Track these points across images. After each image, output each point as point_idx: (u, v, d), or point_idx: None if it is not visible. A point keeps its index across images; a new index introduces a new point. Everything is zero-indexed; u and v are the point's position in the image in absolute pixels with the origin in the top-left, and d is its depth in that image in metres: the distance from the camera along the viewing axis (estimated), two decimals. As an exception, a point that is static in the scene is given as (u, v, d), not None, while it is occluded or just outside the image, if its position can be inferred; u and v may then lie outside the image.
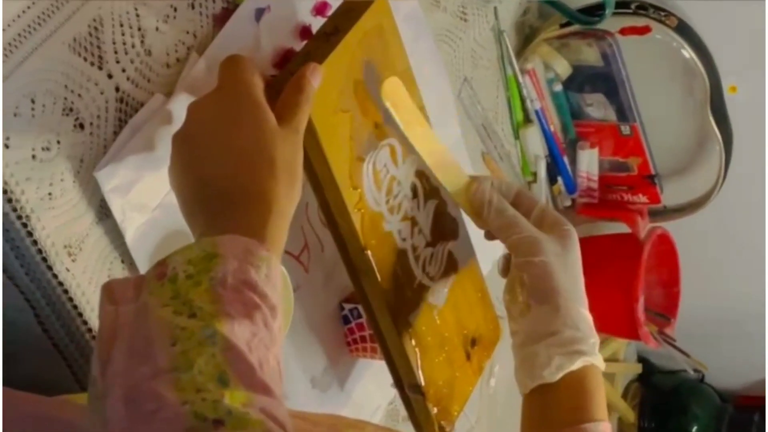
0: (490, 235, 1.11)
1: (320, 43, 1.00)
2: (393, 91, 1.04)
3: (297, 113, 0.87)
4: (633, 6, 1.48)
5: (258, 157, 0.82)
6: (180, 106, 0.96)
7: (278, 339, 0.72)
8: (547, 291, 1.01)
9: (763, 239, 1.71)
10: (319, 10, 1.11)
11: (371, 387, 1.25)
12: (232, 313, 0.69)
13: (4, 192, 0.86)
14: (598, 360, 1.01)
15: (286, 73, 0.97)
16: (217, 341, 0.67)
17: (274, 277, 0.75)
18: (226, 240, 0.74)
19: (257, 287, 0.72)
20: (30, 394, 0.87)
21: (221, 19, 1.02)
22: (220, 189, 0.81)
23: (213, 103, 0.86)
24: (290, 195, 0.83)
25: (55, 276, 0.91)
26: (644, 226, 1.57)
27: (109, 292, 0.72)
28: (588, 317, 1.03)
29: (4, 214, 0.87)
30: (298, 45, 1.09)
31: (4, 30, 0.83)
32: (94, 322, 0.94)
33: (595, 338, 1.01)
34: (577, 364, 0.98)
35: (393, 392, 1.20)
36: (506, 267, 1.08)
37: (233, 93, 0.86)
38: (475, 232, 1.25)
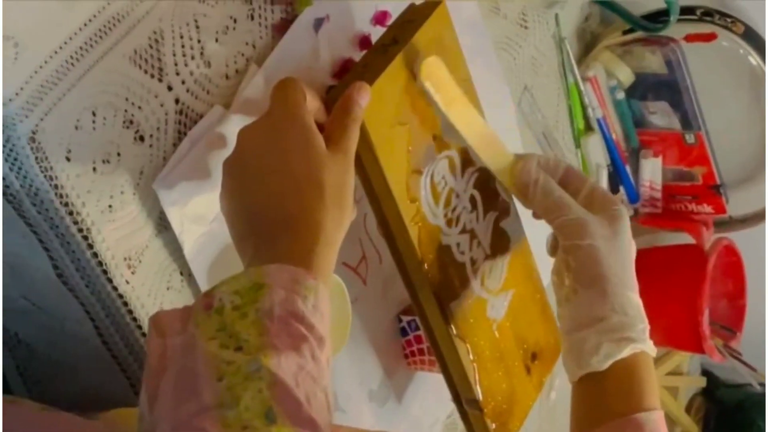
0: (537, 215, 1.08)
1: (378, 54, 1.00)
2: (433, 71, 1.02)
3: (345, 135, 0.87)
4: (698, 12, 1.47)
5: (306, 184, 0.82)
6: (239, 120, 0.96)
7: (326, 371, 0.72)
8: (594, 276, 0.99)
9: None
10: (379, 19, 1.11)
11: (429, 400, 1.24)
12: (279, 346, 0.69)
13: (65, 205, 0.86)
14: (648, 346, 0.98)
15: (343, 85, 0.97)
16: (264, 376, 0.66)
17: (322, 306, 0.75)
18: (273, 269, 0.74)
19: (304, 318, 0.72)
20: (71, 417, 0.87)
21: (280, 29, 1.03)
22: (267, 217, 0.82)
23: (262, 130, 0.86)
24: (339, 221, 0.83)
25: (115, 288, 0.91)
26: (709, 237, 1.56)
27: (157, 323, 0.73)
28: (638, 302, 1.00)
29: (65, 227, 0.88)
30: (357, 55, 1.09)
31: (66, 43, 0.84)
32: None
33: (644, 323, 0.98)
34: (625, 352, 0.96)
35: (451, 406, 1.19)
36: (555, 246, 1.05)
37: (282, 119, 0.86)
38: (535, 243, 1.25)
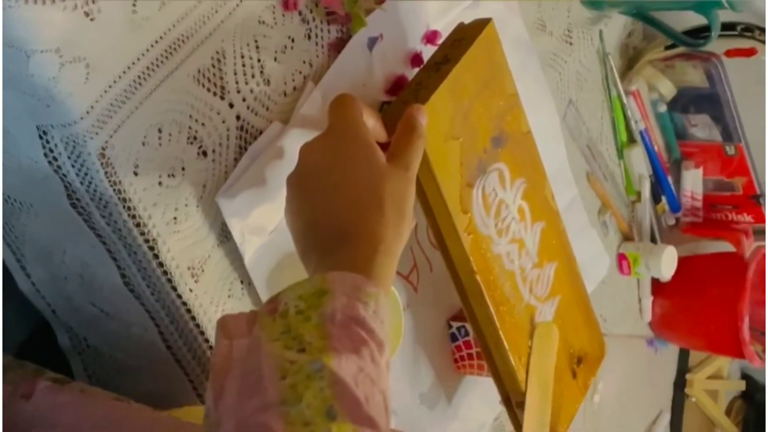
0: None
1: (431, 73, 1.00)
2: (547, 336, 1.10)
3: (409, 151, 0.87)
4: (739, 28, 1.46)
5: (367, 196, 0.82)
6: (296, 135, 0.96)
7: (385, 374, 0.72)
8: None
9: None
10: (430, 38, 1.10)
11: (477, 403, 1.24)
12: (340, 349, 0.69)
13: (132, 217, 0.87)
14: None
15: (399, 102, 0.97)
16: (325, 375, 0.66)
17: (382, 313, 0.75)
18: (336, 276, 0.74)
19: (365, 323, 0.72)
20: (144, 409, 0.88)
21: (336, 47, 1.03)
22: (331, 229, 0.82)
23: (323, 146, 0.86)
24: (399, 232, 0.83)
25: (179, 296, 0.92)
26: (749, 246, 1.55)
27: (224, 326, 0.73)
28: None
29: (132, 238, 0.89)
30: (410, 72, 1.08)
31: (133, 64, 0.84)
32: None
33: None
34: None
35: (499, 408, 1.20)
36: None
37: (342, 135, 0.86)
38: (580, 253, 1.25)
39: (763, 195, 1.57)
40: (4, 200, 0.93)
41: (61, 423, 0.80)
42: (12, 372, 0.88)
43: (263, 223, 0.96)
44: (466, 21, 1.06)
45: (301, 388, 0.65)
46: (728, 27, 1.45)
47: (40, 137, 0.83)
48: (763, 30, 1.46)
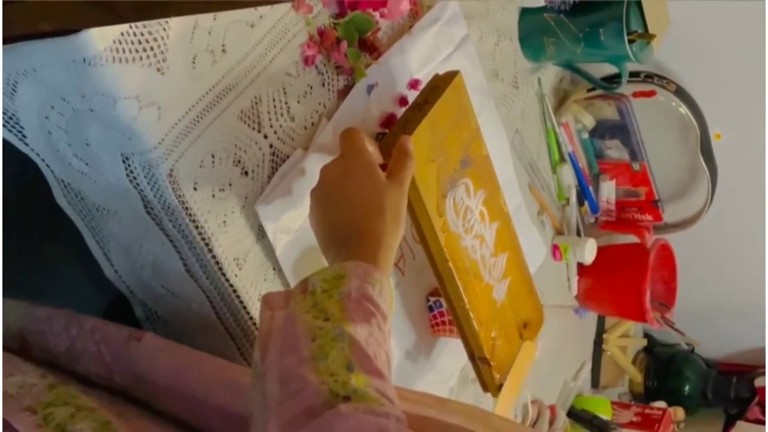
0: None
1: (415, 112, 1.00)
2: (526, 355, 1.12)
3: (403, 171, 0.87)
4: (642, 75, 1.46)
5: (371, 206, 0.83)
6: (314, 158, 0.97)
7: (388, 338, 0.72)
8: None
9: (739, 248, 1.68)
10: (413, 85, 1.10)
11: (449, 358, 1.24)
12: (355, 319, 0.69)
13: (193, 221, 0.88)
14: None
15: (391, 134, 0.98)
16: (345, 338, 0.67)
17: (385, 293, 0.75)
18: (351, 265, 0.75)
19: (373, 300, 0.72)
20: (222, 361, 0.88)
21: (343, 93, 1.03)
22: (345, 230, 0.82)
23: (338, 168, 0.86)
24: (396, 232, 0.83)
25: (228, 280, 0.92)
26: (650, 238, 1.55)
27: (267, 301, 0.74)
28: None
29: (192, 236, 0.89)
30: (398, 111, 1.08)
31: (193, 106, 0.85)
32: (255, 313, 0.95)
33: None
34: None
35: (464, 361, 1.19)
36: None
37: (352, 160, 0.87)
38: (525, 245, 1.25)
39: (660, 200, 1.58)
40: (95, 209, 0.93)
41: (158, 361, 0.81)
42: (124, 327, 0.90)
43: (290, 224, 0.96)
44: (441, 72, 1.06)
45: (328, 348, 0.66)
46: (634, 74, 1.45)
47: (123, 162, 0.84)
48: (660, 77, 1.46)
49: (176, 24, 0.81)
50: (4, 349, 0.86)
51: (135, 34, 0.77)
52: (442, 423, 0.67)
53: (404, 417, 0.62)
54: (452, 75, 1.05)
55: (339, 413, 0.59)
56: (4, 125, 0.85)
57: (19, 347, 0.86)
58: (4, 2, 0.68)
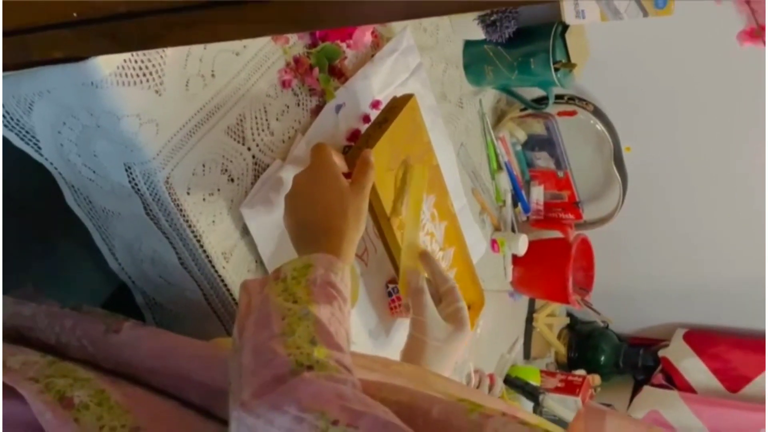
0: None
1: (376, 128, 1.00)
2: (420, 176, 0.99)
3: (364, 178, 0.88)
4: (565, 98, 1.47)
5: (335, 207, 0.83)
6: (290, 168, 0.96)
7: (347, 318, 0.72)
8: (418, 363, 0.93)
9: (646, 242, 1.70)
10: (374, 105, 1.10)
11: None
12: (319, 301, 0.69)
13: (186, 221, 0.87)
14: None
15: (356, 147, 0.97)
16: (310, 317, 0.67)
17: (347, 280, 0.75)
18: (317, 256, 0.75)
19: (335, 285, 0.72)
20: (201, 342, 0.86)
21: (315, 111, 1.02)
22: (313, 228, 0.82)
23: (307, 176, 0.87)
24: (356, 229, 0.83)
25: (216, 272, 0.92)
26: (572, 234, 1.55)
27: (245, 287, 0.73)
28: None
29: (186, 234, 0.88)
30: (362, 127, 1.08)
31: (187, 122, 0.84)
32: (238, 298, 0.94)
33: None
34: None
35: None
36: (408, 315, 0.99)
37: (319, 169, 0.87)
38: (468, 239, 1.25)
39: (580, 202, 1.58)
40: (102, 210, 0.92)
41: (141, 347, 0.79)
42: (106, 317, 0.87)
43: (270, 224, 0.95)
44: (398, 95, 1.06)
45: (295, 326, 0.66)
46: (559, 97, 1.46)
47: (126, 170, 0.83)
48: (580, 99, 1.47)
49: (171, 53, 0.80)
50: (4, 338, 0.83)
51: (136, 62, 0.77)
52: (388, 385, 0.67)
53: (359, 383, 0.62)
54: (408, 97, 1.05)
55: (302, 379, 0.59)
56: (22, 138, 0.83)
57: (16, 337, 0.83)
58: (22, 32, 0.67)
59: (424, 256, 1.00)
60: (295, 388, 0.59)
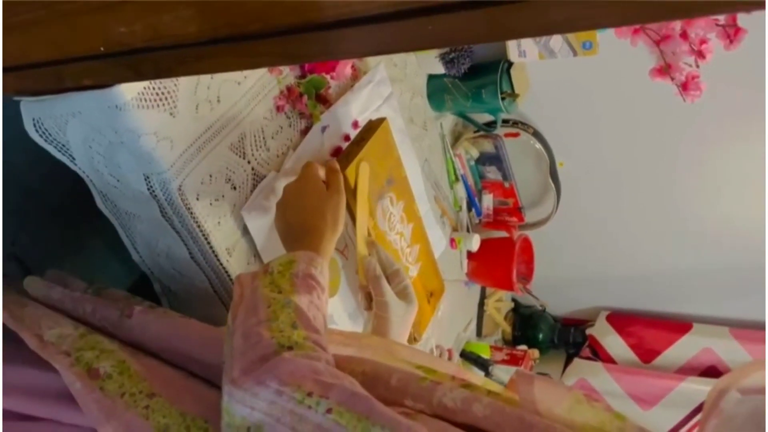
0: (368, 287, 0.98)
1: (354, 146, 1.00)
2: (362, 173, 0.98)
3: (336, 182, 0.88)
4: (511, 122, 1.48)
5: (316, 211, 0.83)
6: (282, 180, 0.95)
7: (325, 305, 0.71)
8: (385, 336, 0.94)
9: (576, 240, 1.70)
10: (354, 125, 1.10)
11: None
12: (301, 291, 0.68)
13: (196, 222, 0.86)
14: None
15: (342, 158, 0.97)
16: (291, 305, 0.66)
17: (325, 272, 0.74)
18: (300, 253, 0.74)
19: (315, 278, 0.71)
20: (198, 323, 0.85)
21: (305, 131, 1.02)
22: (297, 229, 0.82)
23: (294, 186, 0.87)
24: (334, 230, 0.83)
25: (221, 265, 0.91)
26: (516, 234, 1.56)
27: (239, 280, 0.72)
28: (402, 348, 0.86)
29: (196, 233, 0.87)
30: (343, 144, 1.08)
31: (196, 139, 0.83)
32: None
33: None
34: None
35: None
36: (367, 305, 0.99)
37: (304, 180, 0.87)
38: (431, 238, 1.25)
39: (522, 207, 1.59)
40: (125, 212, 0.91)
41: (150, 329, 0.78)
42: (121, 301, 0.86)
43: (266, 225, 0.95)
44: (373, 119, 1.06)
45: (279, 312, 0.65)
46: (505, 121, 1.47)
47: (145, 179, 0.82)
48: (523, 123, 1.48)
49: (184, 81, 0.80)
50: (48, 307, 0.82)
51: (154, 89, 0.76)
52: (355, 358, 0.67)
53: (332, 358, 0.62)
54: (381, 120, 1.05)
55: (283, 358, 0.59)
56: (59, 151, 0.82)
57: (55, 308, 0.82)
58: (57, 63, 0.66)
59: (372, 245, 1.00)
60: (276, 365, 0.58)
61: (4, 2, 0.61)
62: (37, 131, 0.79)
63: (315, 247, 0.78)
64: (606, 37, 1.21)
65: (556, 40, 1.25)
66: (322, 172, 0.89)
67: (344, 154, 0.98)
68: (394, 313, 0.94)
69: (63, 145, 0.82)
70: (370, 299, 0.99)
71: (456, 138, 1.52)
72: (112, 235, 0.94)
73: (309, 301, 0.68)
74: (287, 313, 0.65)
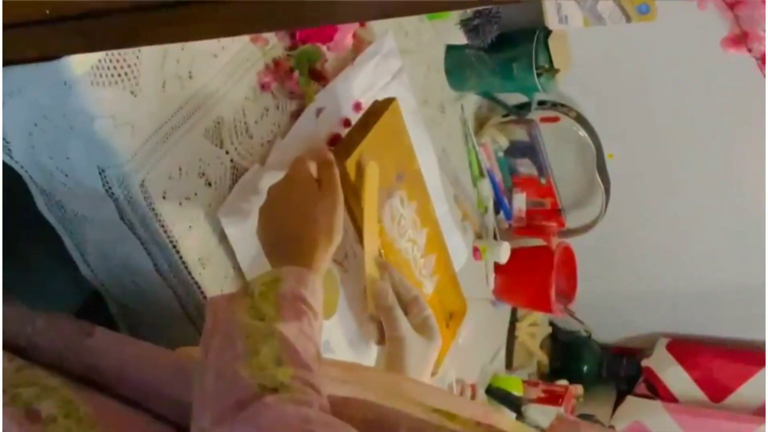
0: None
1: (356, 132, 1.00)
2: (370, 175, 0.98)
3: (330, 179, 0.88)
4: (548, 104, 1.48)
5: (306, 216, 0.83)
6: (268, 176, 0.95)
7: (317, 333, 0.71)
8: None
9: (629, 250, 1.70)
10: (356, 106, 1.10)
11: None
12: (287, 317, 0.68)
13: (162, 226, 0.86)
14: None
15: (340, 148, 0.97)
16: (276, 335, 0.66)
17: (318, 292, 0.74)
18: (287, 269, 0.74)
19: (305, 300, 0.71)
20: (168, 351, 0.84)
21: (295, 115, 1.02)
22: (284, 239, 0.82)
23: (280, 187, 0.87)
24: (330, 239, 0.83)
25: (193, 278, 0.91)
26: (555, 242, 1.56)
27: (212, 304, 0.72)
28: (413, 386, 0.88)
29: (162, 240, 0.87)
30: (343, 131, 1.08)
31: (163, 125, 0.83)
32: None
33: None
34: None
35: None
36: (380, 338, 0.99)
37: (292, 179, 0.88)
38: (450, 247, 1.25)
39: (563, 209, 1.59)
40: (74, 215, 0.90)
41: (113, 354, 0.78)
42: (78, 321, 0.85)
43: (248, 230, 0.95)
44: (379, 99, 1.06)
45: (260, 345, 0.64)
46: (542, 103, 1.47)
47: (100, 174, 0.82)
48: (563, 105, 1.48)
49: (148, 53, 0.80)
50: None
51: (111, 61, 0.76)
52: (355, 401, 0.66)
53: (326, 402, 0.61)
54: (389, 101, 1.05)
55: (264, 404, 0.58)
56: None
57: None
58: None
59: (384, 268, 1.00)
60: (256, 413, 0.58)
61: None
62: (-37, 114, 0.80)
63: (306, 262, 0.78)
64: (667, -1, 1.21)
65: (606, 3, 1.25)
66: (314, 168, 0.89)
67: (343, 143, 0.98)
68: (410, 352, 0.94)
69: (-4, 132, 0.82)
70: (383, 331, 0.99)
71: (481, 123, 1.52)
72: (55, 245, 0.94)
73: (298, 329, 0.67)
74: (271, 346, 0.64)
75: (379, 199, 1.02)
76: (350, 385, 0.73)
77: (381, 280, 0.99)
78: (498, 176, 1.55)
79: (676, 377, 1.73)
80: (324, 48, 1.04)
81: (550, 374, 1.85)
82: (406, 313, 0.97)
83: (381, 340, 0.99)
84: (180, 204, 0.87)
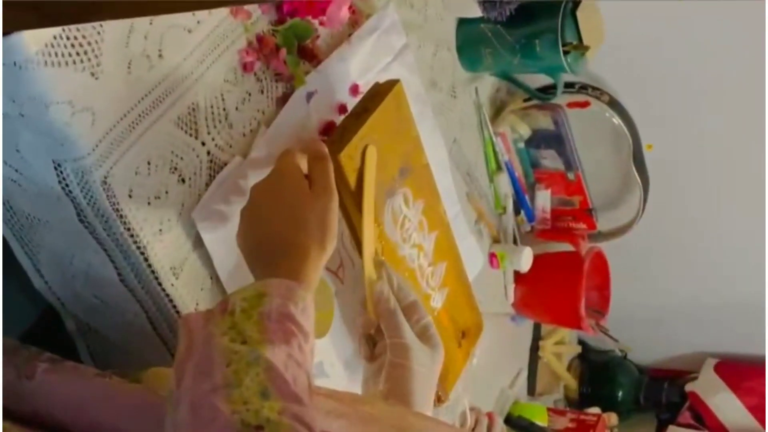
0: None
1: (354, 120, 1.00)
2: (369, 161, 0.98)
3: (323, 175, 0.88)
4: (577, 86, 1.48)
5: (294, 219, 0.83)
6: (252, 172, 0.96)
7: (309, 358, 0.71)
8: (405, 394, 0.93)
9: (671, 257, 1.71)
10: (353, 90, 1.10)
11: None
12: (274, 340, 0.68)
13: (128, 229, 0.86)
14: None
15: (328, 141, 0.97)
16: (261, 363, 0.65)
17: (309, 309, 0.74)
18: (273, 283, 0.74)
19: (294, 319, 0.71)
20: (125, 384, 0.84)
21: (282, 100, 1.02)
22: (270, 246, 0.82)
23: (265, 186, 0.87)
24: (322, 246, 0.83)
25: (164, 290, 0.91)
26: (585, 246, 1.56)
27: (186, 323, 0.72)
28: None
29: (128, 245, 0.87)
30: (338, 118, 1.08)
31: (129, 112, 0.83)
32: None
33: None
34: None
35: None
36: (369, 353, 0.99)
37: (278, 176, 0.87)
38: (463, 253, 1.25)
39: (594, 209, 1.59)
40: (25, 218, 0.91)
41: (57, 396, 0.78)
42: (17, 355, 0.85)
43: (228, 234, 0.95)
44: (380, 81, 1.06)
45: (242, 374, 0.64)
46: (569, 85, 1.46)
47: (55, 168, 0.82)
48: (594, 88, 1.48)
49: (111, 28, 0.79)
50: None
51: (68, 38, 0.76)
52: None
53: None
54: (392, 83, 1.05)
55: None
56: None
57: None
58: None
59: (382, 267, 1.00)
60: None
61: None
62: None
63: (295, 274, 0.77)
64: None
65: (643, -31, 1.25)
66: (304, 162, 0.89)
67: (338, 133, 0.98)
68: (416, 360, 0.94)
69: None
70: (372, 344, 0.99)
71: (498, 109, 1.52)
72: (5, 255, 0.94)
73: (286, 355, 0.67)
74: (254, 375, 0.64)
75: (379, 196, 1.02)
76: (347, 420, 0.73)
77: (379, 281, 0.99)
78: (518, 171, 1.55)
79: (726, 404, 1.73)
80: (316, 22, 1.04)
81: (580, 401, 1.85)
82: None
83: (370, 355, 0.99)
84: (149, 203, 0.87)
